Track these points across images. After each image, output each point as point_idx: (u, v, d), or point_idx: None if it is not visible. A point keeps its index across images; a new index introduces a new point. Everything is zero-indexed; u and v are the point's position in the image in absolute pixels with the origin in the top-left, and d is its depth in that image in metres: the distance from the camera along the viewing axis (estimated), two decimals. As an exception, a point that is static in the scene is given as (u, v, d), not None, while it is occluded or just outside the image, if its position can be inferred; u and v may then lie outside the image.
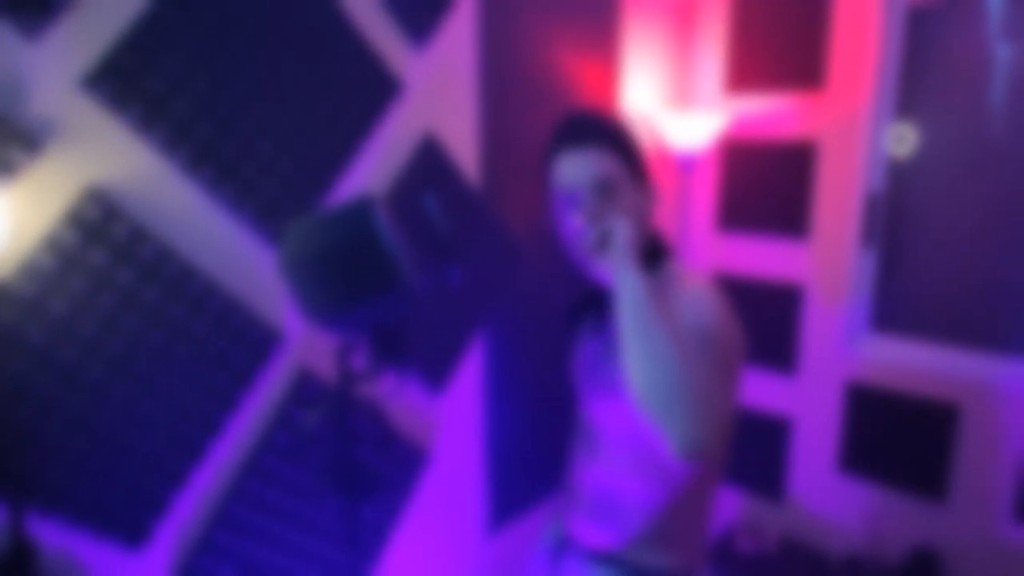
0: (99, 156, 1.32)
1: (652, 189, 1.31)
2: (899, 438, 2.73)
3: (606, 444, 1.39)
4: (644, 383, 1.04)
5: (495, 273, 2.19)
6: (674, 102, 2.93)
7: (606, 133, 1.27)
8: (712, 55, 2.95)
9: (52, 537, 1.33)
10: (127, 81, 1.31)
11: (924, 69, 2.62)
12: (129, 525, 1.44)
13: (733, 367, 1.21)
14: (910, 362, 2.69)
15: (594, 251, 1.24)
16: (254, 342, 1.60)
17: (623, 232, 1.17)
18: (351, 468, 1.57)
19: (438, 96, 1.96)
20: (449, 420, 2.16)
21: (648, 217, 1.30)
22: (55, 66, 1.24)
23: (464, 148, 2.06)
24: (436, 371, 2.07)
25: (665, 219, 2.99)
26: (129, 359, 1.39)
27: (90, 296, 1.32)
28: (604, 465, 1.40)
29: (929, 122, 2.65)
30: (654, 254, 1.32)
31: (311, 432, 1.73)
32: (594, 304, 1.43)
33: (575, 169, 1.26)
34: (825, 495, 2.93)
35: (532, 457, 2.51)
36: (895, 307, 2.81)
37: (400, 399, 2.00)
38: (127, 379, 1.39)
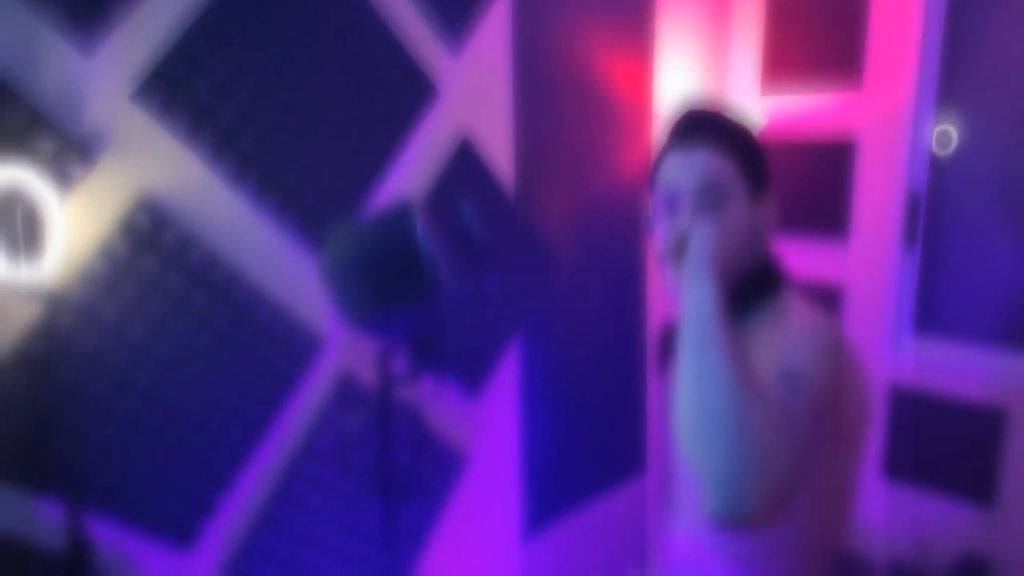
0: (149, 166, 1.36)
1: (772, 205, 1.14)
2: (945, 443, 2.67)
3: (689, 505, 1.13)
4: (686, 415, 0.86)
5: (531, 277, 2.20)
6: (710, 99, 2.91)
7: (725, 133, 1.09)
8: (747, 51, 2.93)
9: (106, 536, 1.38)
10: (175, 91, 1.35)
11: (966, 61, 2.56)
12: (178, 526, 1.47)
13: (831, 425, 0.97)
14: (955, 365, 2.63)
15: (670, 259, 1.06)
16: (297, 347, 1.63)
17: (702, 239, 0.98)
18: (390, 471, 1.59)
19: (474, 99, 1.98)
20: (486, 423, 2.18)
21: (763, 237, 1.13)
22: (108, 78, 1.29)
23: (499, 151, 2.08)
24: (473, 375, 2.09)
25: (701, 222, 2.97)
26: (177, 363, 1.43)
27: (141, 302, 1.36)
28: (686, 531, 1.14)
29: (971, 117, 2.59)
30: (765, 281, 1.12)
31: (352, 435, 1.75)
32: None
33: (680, 169, 1.08)
34: (871, 501, 2.87)
35: (569, 461, 2.51)
36: (939, 308, 2.75)
37: (438, 403, 2.02)
38: (175, 383, 1.43)
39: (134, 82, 1.31)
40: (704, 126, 1.11)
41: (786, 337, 1.02)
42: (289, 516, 1.66)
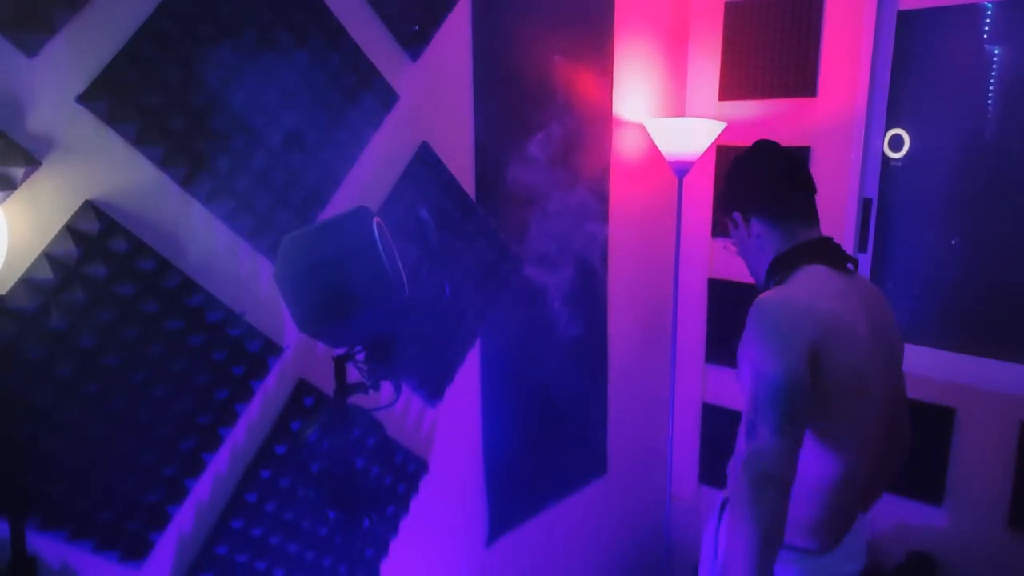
0: (97, 169, 1.33)
1: (755, 223, 1.57)
2: (896, 442, 2.73)
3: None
4: None
5: (492, 281, 2.20)
6: (668, 110, 2.95)
7: (720, 192, 1.70)
8: (706, 65, 2.97)
9: (53, 551, 1.34)
10: (124, 94, 1.32)
11: (915, 72, 2.64)
12: (130, 539, 1.44)
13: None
14: (906, 366, 2.70)
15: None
16: (252, 354, 1.60)
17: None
18: (349, 479, 1.57)
19: (434, 106, 1.98)
20: (447, 429, 2.17)
21: (761, 246, 1.57)
22: (54, 81, 1.25)
23: (460, 155, 2.08)
24: (433, 380, 2.08)
25: (662, 227, 3.01)
26: (127, 371, 1.39)
27: (88, 308, 1.32)
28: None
29: (920, 126, 2.67)
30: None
31: (309, 443, 1.73)
32: None
33: None
34: (823, 500, 2.93)
35: (531, 465, 2.51)
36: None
37: (397, 409, 2.01)
38: (125, 391, 1.40)
39: (81, 84, 1.28)
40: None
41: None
42: (245, 526, 1.64)
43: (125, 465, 1.42)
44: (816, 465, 1.46)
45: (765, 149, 1.59)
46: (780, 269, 1.53)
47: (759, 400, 1.34)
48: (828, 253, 1.54)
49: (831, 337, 1.38)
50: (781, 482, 1.31)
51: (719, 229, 3.03)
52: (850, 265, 1.55)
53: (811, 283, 1.46)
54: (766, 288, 1.55)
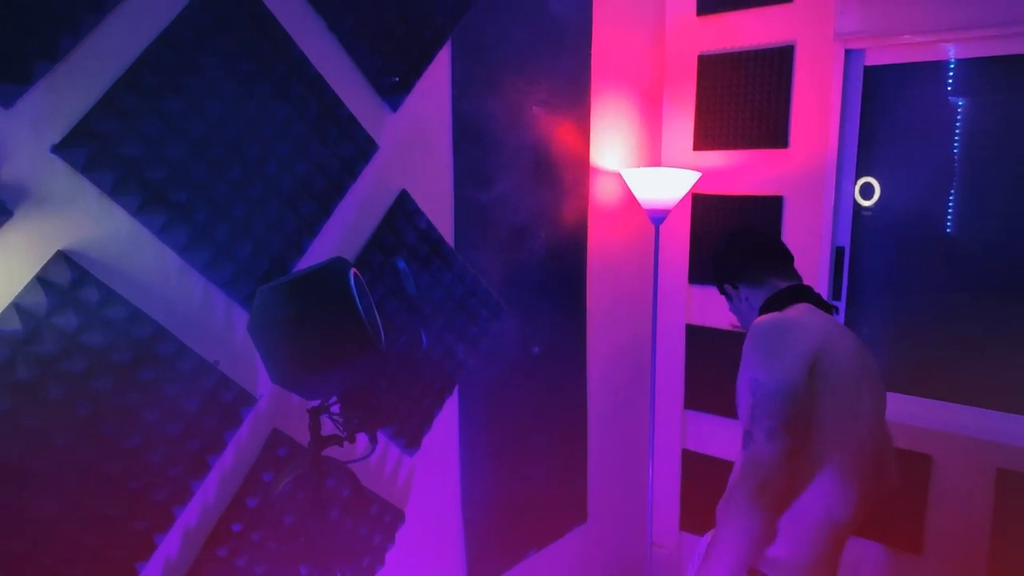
0: (71, 219, 1.32)
1: (742, 288, 1.84)
2: (874, 489, 2.73)
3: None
4: None
5: (471, 328, 2.20)
6: (644, 160, 3.01)
7: (711, 267, 2.00)
8: (681, 116, 3.04)
9: (10, 612, 1.29)
10: (100, 144, 1.32)
11: (884, 122, 2.72)
12: (92, 597, 1.39)
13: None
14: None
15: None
16: (226, 404, 1.58)
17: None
18: (322, 531, 1.54)
19: (414, 155, 2.00)
20: (425, 477, 2.14)
21: (751, 305, 1.81)
22: (29, 131, 1.25)
23: (439, 206, 2.09)
24: (411, 428, 2.06)
25: (639, 274, 3.03)
26: (98, 423, 1.37)
27: (58, 360, 1.30)
28: None
29: (890, 174, 2.74)
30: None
31: (282, 495, 1.70)
32: None
33: None
34: (804, 548, 2.91)
35: (511, 514, 2.48)
36: (865, 358, 2.85)
37: (374, 458, 1.98)
38: (95, 443, 1.37)
39: (57, 134, 1.28)
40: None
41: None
42: (214, 582, 1.59)
43: (92, 518, 1.38)
44: (812, 502, 1.54)
45: (743, 233, 2.12)
46: (771, 307, 1.73)
47: (757, 408, 1.48)
48: (812, 295, 1.76)
49: (824, 354, 1.53)
50: (776, 491, 1.46)
51: (696, 276, 3.06)
52: (833, 309, 1.75)
53: (802, 312, 1.66)
54: None
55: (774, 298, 1.75)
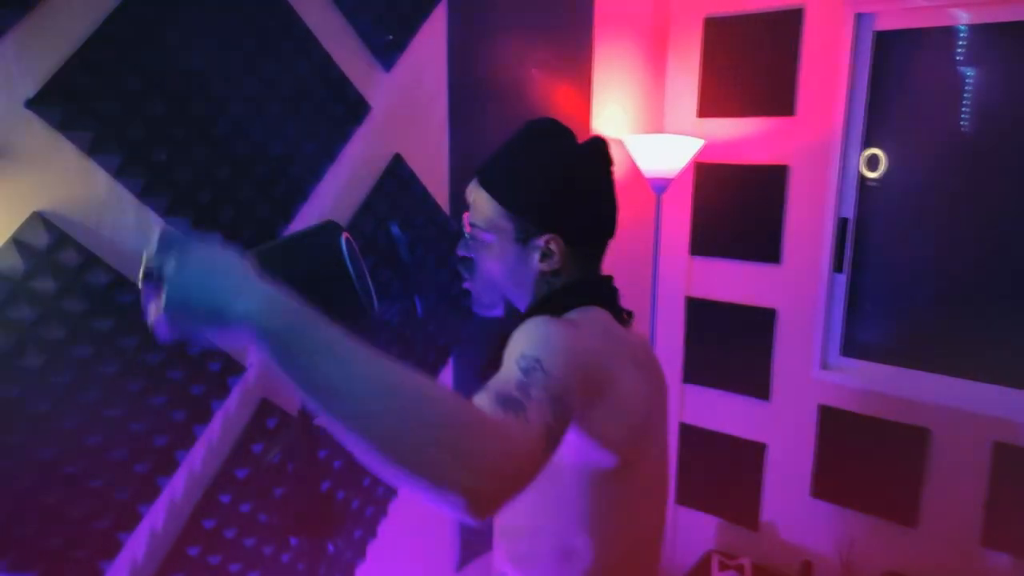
0: (48, 178, 1.26)
1: (557, 244, 1.16)
2: (872, 464, 2.72)
3: (499, 519, 1.20)
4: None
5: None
6: (647, 126, 2.93)
7: (503, 173, 1.18)
8: (685, 81, 2.96)
9: (-11, 585, 1.25)
10: (78, 102, 1.26)
11: (891, 92, 2.64)
12: (78, 568, 1.36)
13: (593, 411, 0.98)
14: (882, 387, 2.69)
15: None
16: (213, 373, 1.53)
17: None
18: (314, 503, 1.51)
19: (408, 118, 1.93)
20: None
21: (536, 272, 1.18)
22: (1, 85, 1.18)
23: (435, 171, 2.02)
24: (404, 400, 2.02)
25: (639, 245, 2.98)
26: (78, 392, 1.32)
27: (37, 325, 1.25)
28: (499, 544, 1.21)
29: (896, 146, 2.67)
30: (543, 307, 1.17)
31: (272, 466, 1.66)
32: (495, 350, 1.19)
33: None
34: (800, 521, 2.91)
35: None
36: (867, 331, 2.82)
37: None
38: (77, 412, 1.32)
39: (31, 88, 1.21)
40: (491, 162, 1.19)
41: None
42: (202, 554, 1.56)
43: (74, 489, 1.34)
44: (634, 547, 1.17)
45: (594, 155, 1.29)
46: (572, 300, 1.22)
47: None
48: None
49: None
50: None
51: (698, 247, 3.01)
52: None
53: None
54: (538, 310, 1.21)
55: (588, 287, 1.23)
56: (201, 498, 1.55)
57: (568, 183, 1.18)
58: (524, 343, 0.98)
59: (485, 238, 1.19)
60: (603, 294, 1.25)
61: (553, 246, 1.16)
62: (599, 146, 1.24)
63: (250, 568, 1.66)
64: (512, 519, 1.17)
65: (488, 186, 1.18)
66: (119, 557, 1.42)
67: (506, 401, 0.86)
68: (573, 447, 1.02)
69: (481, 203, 1.19)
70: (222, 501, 1.58)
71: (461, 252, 1.25)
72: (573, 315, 1.15)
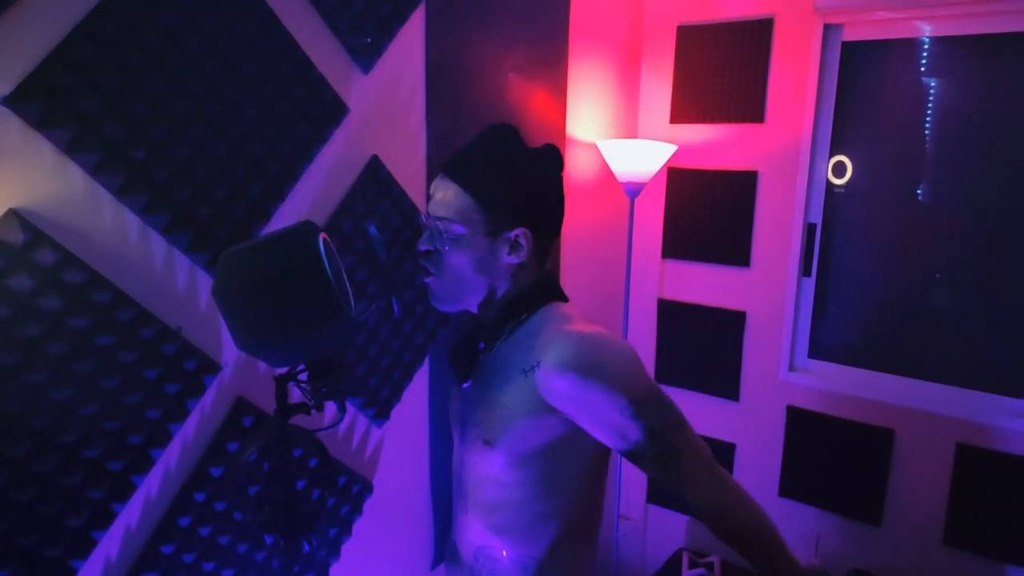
0: (24, 175, 1.26)
1: (527, 239, 1.24)
2: (838, 464, 2.78)
3: (474, 499, 1.33)
4: None
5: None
6: (621, 131, 2.98)
7: (473, 168, 1.24)
8: (658, 87, 3.01)
9: (-40, 582, 1.25)
10: (56, 100, 1.26)
11: (858, 101, 2.72)
12: (50, 567, 1.35)
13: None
14: (848, 388, 2.76)
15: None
16: (189, 371, 1.54)
17: None
18: (289, 502, 1.52)
19: (385, 120, 1.95)
20: (394, 449, 2.12)
21: (506, 267, 1.25)
22: (-23, 82, 1.18)
23: (411, 172, 2.04)
24: (380, 400, 2.03)
25: (613, 248, 3.02)
26: (52, 391, 1.32)
27: (10, 324, 1.25)
28: (475, 520, 1.33)
29: (862, 153, 2.75)
30: (520, 302, 1.27)
31: (247, 465, 1.66)
32: (467, 346, 1.35)
33: (432, 194, 1.29)
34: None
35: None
36: (833, 334, 2.89)
37: (342, 428, 1.95)
38: (51, 410, 1.32)
39: (8, 85, 1.21)
40: (461, 158, 1.25)
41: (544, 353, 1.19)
42: (176, 552, 1.56)
43: (47, 487, 1.33)
44: (597, 502, 1.37)
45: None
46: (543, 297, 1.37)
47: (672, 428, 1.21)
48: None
49: None
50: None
51: (670, 251, 3.06)
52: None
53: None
54: (513, 306, 1.32)
55: (555, 283, 1.35)
56: (176, 495, 1.55)
57: (535, 180, 1.26)
58: (628, 391, 1.16)
59: (456, 230, 1.22)
60: (559, 289, 1.37)
61: (523, 240, 1.23)
62: (554, 151, 1.33)
63: (224, 566, 1.66)
64: (496, 494, 1.27)
65: (460, 180, 1.22)
66: (92, 555, 1.42)
67: (663, 459, 1.20)
68: (571, 431, 1.22)
69: (451, 196, 1.23)
70: (197, 499, 1.58)
71: (424, 246, 1.27)
72: (572, 310, 1.32)
